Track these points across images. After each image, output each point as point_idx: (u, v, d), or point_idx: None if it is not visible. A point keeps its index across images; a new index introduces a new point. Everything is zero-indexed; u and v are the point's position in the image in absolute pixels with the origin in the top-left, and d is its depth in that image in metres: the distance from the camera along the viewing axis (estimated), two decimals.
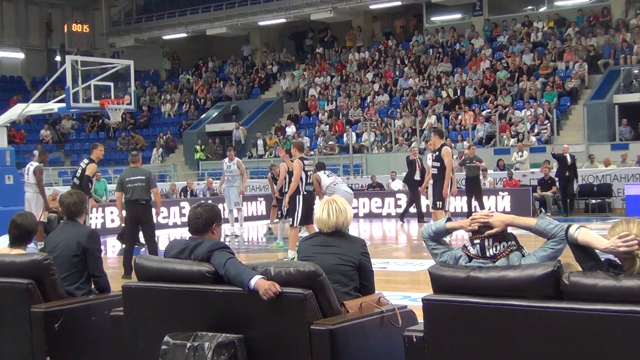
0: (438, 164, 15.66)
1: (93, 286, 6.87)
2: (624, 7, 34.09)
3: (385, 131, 33.11)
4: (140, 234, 14.05)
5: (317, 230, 6.13)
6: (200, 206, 5.93)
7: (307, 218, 14.65)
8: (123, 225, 14.89)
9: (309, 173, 14.88)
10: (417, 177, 21.86)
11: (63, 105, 21.44)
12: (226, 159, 20.95)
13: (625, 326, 4.02)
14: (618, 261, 4.52)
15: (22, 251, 6.75)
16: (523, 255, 4.99)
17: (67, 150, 41.77)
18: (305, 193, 14.74)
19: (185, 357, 5.11)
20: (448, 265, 4.97)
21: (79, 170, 16.52)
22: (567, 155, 23.49)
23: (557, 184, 24.03)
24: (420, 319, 4.87)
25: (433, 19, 39.86)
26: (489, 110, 31.59)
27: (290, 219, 15.02)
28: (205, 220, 5.80)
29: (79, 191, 7.60)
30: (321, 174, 17.23)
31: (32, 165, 18.14)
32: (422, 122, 32.22)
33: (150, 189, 13.80)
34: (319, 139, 34.51)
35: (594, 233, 4.68)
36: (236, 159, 20.81)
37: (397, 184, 26.60)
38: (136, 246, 14.47)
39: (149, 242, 13.71)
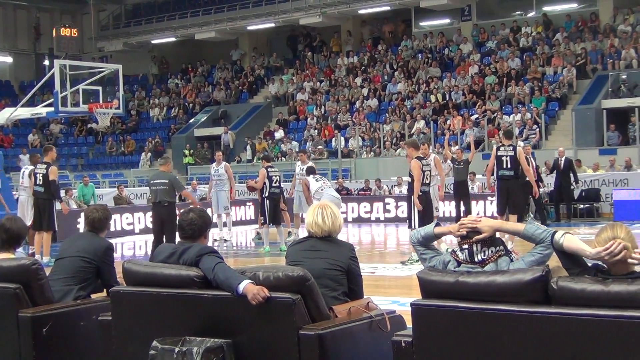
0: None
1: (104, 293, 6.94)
2: (612, 13, 34.22)
3: (374, 136, 33.14)
4: None
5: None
6: (193, 211, 5.93)
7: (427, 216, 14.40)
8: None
9: (425, 172, 14.60)
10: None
11: (51, 109, 21.44)
12: (214, 163, 20.89)
13: (613, 331, 4.03)
14: (605, 266, 4.53)
15: (10, 255, 6.73)
16: (511, 260, 5.00)
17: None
18: (420, 193, 14.51)
19: None
20: (437, 270, 4.96)
21: (40, 177, 16.38)
22: (561, 159, 23.13)
23: (554, 189, 23.73)
24: (409, 324, 4.87)
25: (422, 24, 39.92)
26: (477, 115, 31.65)
27: (408, 221, 14.72)
28: (200, 227, 5.83)
29: (105, 207, 7.62)
30: (310, 178, 17.26)
31: (27, 168, 18.10)
32: (410, 127, 32.26)
33: (178, 192, 15.06)
34: (307, 143, 34.50)
35: (579, 240, 4.69)
36: (224, 162, 20.76)
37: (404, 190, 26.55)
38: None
39: (169, 243, 13.95)
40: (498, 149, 15.99)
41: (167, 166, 15.78)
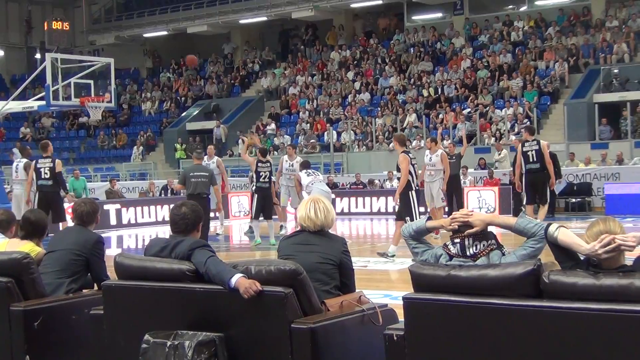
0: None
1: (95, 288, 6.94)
2: (604, 7, 34.25)
3: (366, 130, 33.14)
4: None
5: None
6: (185, 205, 5.89)
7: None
8: None
9: (415, 166, 14.70)
10: None
11: (43, 103, 21.39)
12: (205, 157, 20.79)
13: (604, 324, 4.03)
14: (596, 260, 4.54)
15: (34, 245, 6.98)
16: (503, 254, 5.01)
17: None
18: (416, 188, 14.57)
19: (165, 355, 5.09)
20: (429, 264, 4.97)
21: (46, 170, 16.47)
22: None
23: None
24: (401, 318, 4.87)
25: (414, 17, 39.90)
26: (469, 109, 31.66)
27: (408, 217, 14.32)
28: (193, 221, 5.80)
29: (94, 201, 7.70)
30: (302, 173, 17.25)
31: (22, 161, 18.14)
32: (402, 121, 32.28)
33: (212, 185, 15.54)
34: (299, 137, 34.48)
35: (573, 235, 4.70)
36: (216, 157, 20.72)
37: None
38: None
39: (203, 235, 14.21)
40: (523, 144, 16.75)
41: (201, 160, 16.74)
